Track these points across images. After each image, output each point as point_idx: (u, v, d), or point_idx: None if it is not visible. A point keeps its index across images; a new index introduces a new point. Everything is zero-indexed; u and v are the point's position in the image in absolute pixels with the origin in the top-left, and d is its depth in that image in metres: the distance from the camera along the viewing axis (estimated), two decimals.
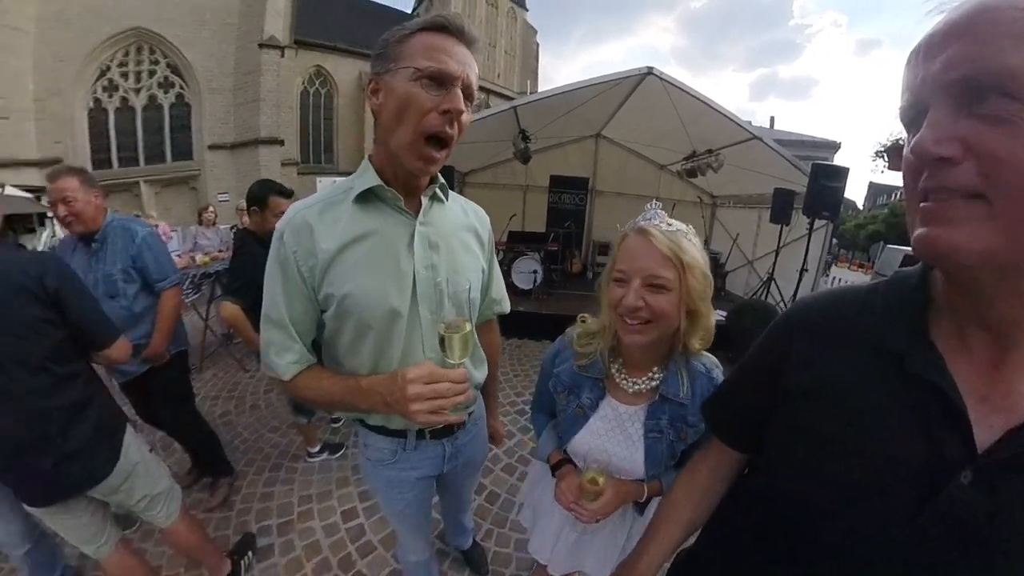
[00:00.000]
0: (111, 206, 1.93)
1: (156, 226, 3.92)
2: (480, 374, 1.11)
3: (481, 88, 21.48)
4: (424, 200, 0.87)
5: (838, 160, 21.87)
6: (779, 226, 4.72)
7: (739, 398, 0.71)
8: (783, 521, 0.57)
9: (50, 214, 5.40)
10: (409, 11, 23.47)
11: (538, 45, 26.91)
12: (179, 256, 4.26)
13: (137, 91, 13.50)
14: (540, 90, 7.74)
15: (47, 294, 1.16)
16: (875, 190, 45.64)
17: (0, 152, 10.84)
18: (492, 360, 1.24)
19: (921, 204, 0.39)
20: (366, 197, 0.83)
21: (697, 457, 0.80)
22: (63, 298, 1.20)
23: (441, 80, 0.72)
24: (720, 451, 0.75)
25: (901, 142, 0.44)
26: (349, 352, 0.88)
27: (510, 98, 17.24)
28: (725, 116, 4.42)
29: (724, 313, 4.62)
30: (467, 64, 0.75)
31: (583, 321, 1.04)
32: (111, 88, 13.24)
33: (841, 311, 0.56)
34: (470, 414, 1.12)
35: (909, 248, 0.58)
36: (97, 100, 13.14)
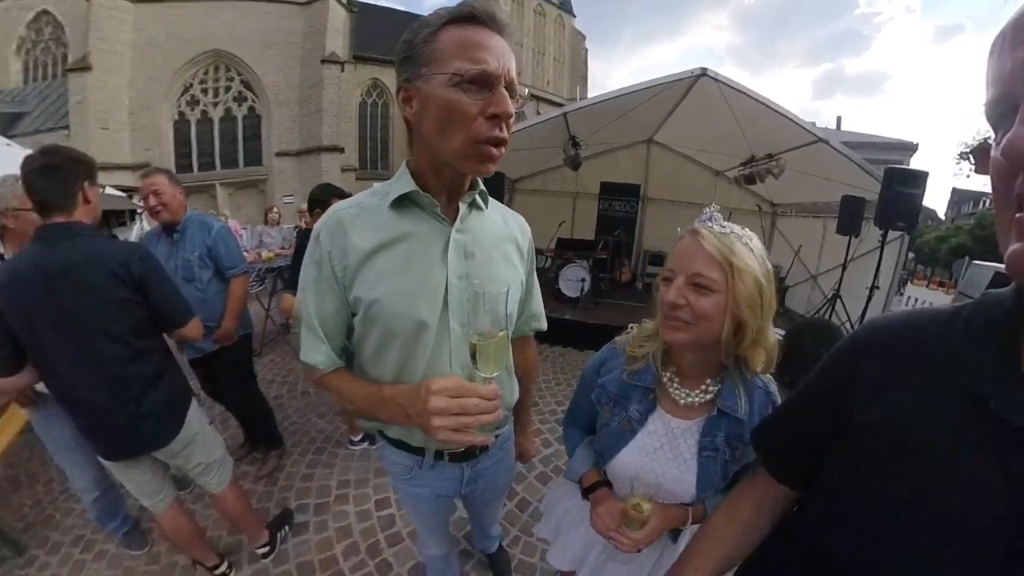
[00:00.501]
0: (191, 205, 2.19)
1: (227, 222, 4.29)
2: (512, 395, 1.04)
3: (531, 96, 21.75)
4: (462, 207, 0.83)
5: (915, 163, 19.84)
6: (847, 238, 4.32)
7: (797, 424, 0.66)
8: (836, 554, 0.52)
9: (139, 210, 6.06)
10: None
11: (587, 51, 26.73)
12: (247, 251, 4.65)
13: (215, 105, 15.20)
14: (590, 96, 7.68)
15: (132, 279, 1.33)
16: (959, 197, 40.69)
17: (100, 157, 12.36)
18: (528, 378, 1.20)
19: (1016, 215, 0.35)
20: (402, 202, 0.79)
21: (741, 487, 0.75)
22: (146, 283, 1.36)
23: (484, 81, 0.66)
24: (767, 483, 0.70)
25: (990, 142, 0.39)
26: (373, 359, 0.85)
27: (560, 105, 17.27)
28: (786, 117, 4.13)
29: (782, 332, 4.33)
30: (506, 56, 0.68)
31: (630, 330, 1.00)
32: (193, 102, 15.02)
33: (917, 334, 0.50)
34: (496, 436, 1.07)
35: (1000, 265, 0.52)
36: (181, 113, 14.93)
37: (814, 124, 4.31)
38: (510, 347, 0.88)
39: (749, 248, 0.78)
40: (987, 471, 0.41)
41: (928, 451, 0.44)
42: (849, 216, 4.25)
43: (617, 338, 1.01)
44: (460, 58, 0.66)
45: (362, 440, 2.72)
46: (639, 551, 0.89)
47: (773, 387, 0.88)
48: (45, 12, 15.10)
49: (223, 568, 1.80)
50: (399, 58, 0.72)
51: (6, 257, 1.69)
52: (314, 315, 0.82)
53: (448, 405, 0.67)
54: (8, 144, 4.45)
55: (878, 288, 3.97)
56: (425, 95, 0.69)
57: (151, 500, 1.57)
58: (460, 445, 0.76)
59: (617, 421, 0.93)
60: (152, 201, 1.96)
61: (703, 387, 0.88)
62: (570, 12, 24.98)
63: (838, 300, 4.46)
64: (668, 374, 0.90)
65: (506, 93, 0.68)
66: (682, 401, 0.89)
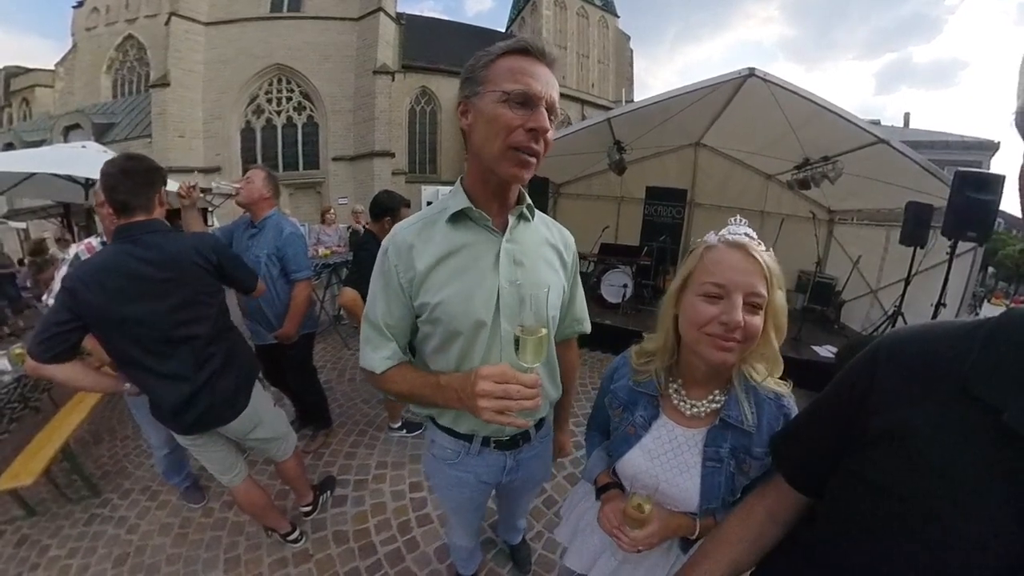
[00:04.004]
0: None
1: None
2: (554, 391, 1.13)
3: (576, 99, 21.87)
4: (511, 219, 0.93)
5: (996, 165, 17.52)
6: (911, 249, 3.96)
7: (815, 432, 0.66)
8: (848, 565, 0.52)
9: (210, 209, 6.63)
10: (503, 30, 24.49)
11: (632, 51, 26.23)
12: (308, 248, 4.94)
13: (278, 113, 16.49)
14: (636, 97, 7.57)
15: (212, 265, 1.50)
16: None
17: (177, 161, 14.30)
18: (569, 378, 1.28)
19: None
20: (458, 217, 0.90)
21: (756, 494, 0.74)
22: (223, 265, 1.54)
23: (526, 100, 0.77)
24: (782, 491, 0.69)
25: None
26: (437, 354, 0.95)
27: (605, 108, 17.23)
28: (841, 117, 3.88)
29: (834, 350, 4.07)
30: (549, 83, 0.80)
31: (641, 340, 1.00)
32: (258, 112, 16.40)
33: (937, 345, 0.49)
34: (537, 430, 1.15)
35: None
36: (248, 121, 16.32)
37: (877, 123, 4.00)
38: (553, 348, 0.97)
39: (770, 255, 0.78)
40: (996, 486, 0.40)
41: (939, 463, 0.44)
42: (915, 224, 3.89)
43: (632, 346, 1.01)
44: (509, 80, 0.78)
45: (400, 428, 2.83)
46: (639, 551, 0.88)
47: (787, 400, 0.85)
48: (130, 36, 17.54)
49: (296, 535, 1.96)
50: (462, 79, 0.85)
51: (105, 241, 1.90)
52: (381, 318, 0.93)
53: (493, 389, 0.75)
54: (104, 151, 5.03)
55: (944, 306, 3.59)
56: (478, 108, 0.81)
57: (228, 475, 1.72)
58: (501, 426, 0.81)
59: (624, 425, 0.94)
60: (240, 184, 2.17)
61: (710, 397, 0.87)
62: (613, 13, 24.70)
63: (900, 318, 4.07)
64: (674, 386, 0.91)
65: (545, 113, 0.79)
66: (687, 412, 0.88)
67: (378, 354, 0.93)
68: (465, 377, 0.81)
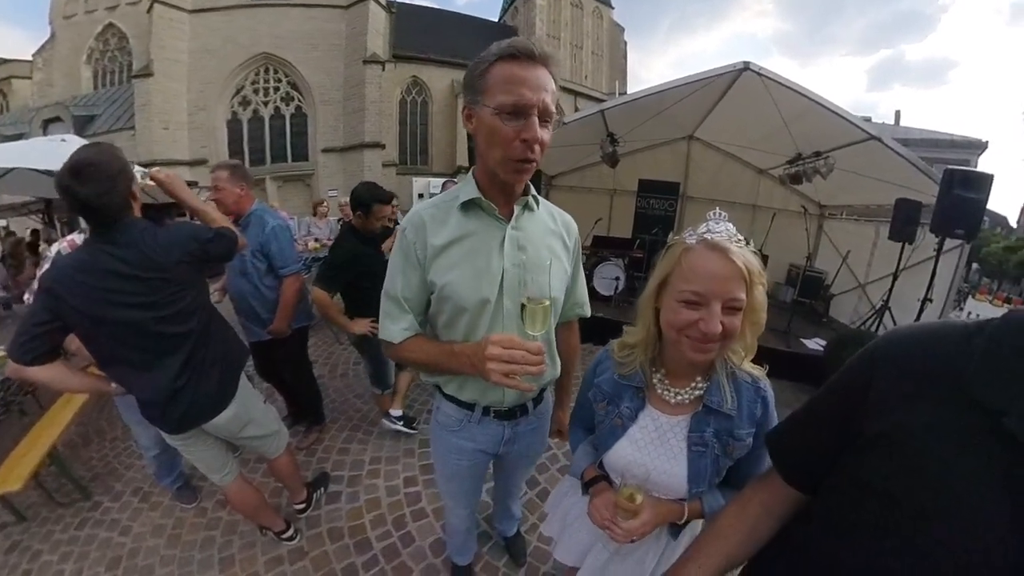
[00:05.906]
0: None
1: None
2: (552, 369, 1.18)
3: (569, 91, 21.71)
4: (516, 208, 1.01)
5: (983, 163, 18.01)
6: (900, 244, 4.03)
7: (811, 430, 0.66)
8: (841, 564, 0.52)
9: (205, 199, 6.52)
10: (496, 19, 24.18)
11: (626, 43, 26.00)
12: (297, 241, 4.86)
13: (265, 104, 16.17)
14: (629, 89, 7.52)
15: (197, 256, 1.45)
16: None
17: (161, 154, 14.02)
18: (571, 360, 1.36)
19: None
20: (468, 206, 0.98)
21: (751, 487, 0.75)
22: (208, 252, 1.48)
23: (517, 112, 0.82)
24: (777, 486, 0.69)
25: None
26: (446, 328, 1.04)
27: (598, 100, 17.13)
28: (834, 113, 3.90)
29: (823, 343, 4.14)
30: (541, 87, 0.83)
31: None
32: (245, 103, 16.06)
33: (936, 346, 0.49)
34: (535, 405, 1.23)
35: None
36: (234, 112, 15.99)
37: (869, 119, 4.04)
38: (552, 320, 1.06)
39: (750, 249, 0.78)
40: (993, 490, 0.40)
41: (935, 466, 0.44)
42: (903, 221, 3.98)
43: (612, 340, 1.03)
44: (502, 92, 0.82)
45: (399, 419, 2.76)
46: (632, 541, 0.89)
47: (764, 383, 0.88)
48: (111, 25, 16.85)
49: (290, 532, 1.94)
50: (463, 85, 0.91)
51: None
52: (401, 292, 1.02)
53: (501, 353, 0.83)
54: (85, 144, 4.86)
55: (931, 301, 3.68)
56: (479, 118, 0.88)
57: (219, 474, 1.69)
58: (507, 388, 0.90)
59: (610, 418, 0.96)
60: (212, 194, 2.07)
61: (692, 385, 0.90)
62: (608, 3, 24.45)
63: (887, 312, 4.18)
64: (658, 376, 0.93)
65: (536, 121, 0.84)
66: (672, 400, 0.91)
67: (396, 325, 1.02)
68: (477, 344, 0.89)
